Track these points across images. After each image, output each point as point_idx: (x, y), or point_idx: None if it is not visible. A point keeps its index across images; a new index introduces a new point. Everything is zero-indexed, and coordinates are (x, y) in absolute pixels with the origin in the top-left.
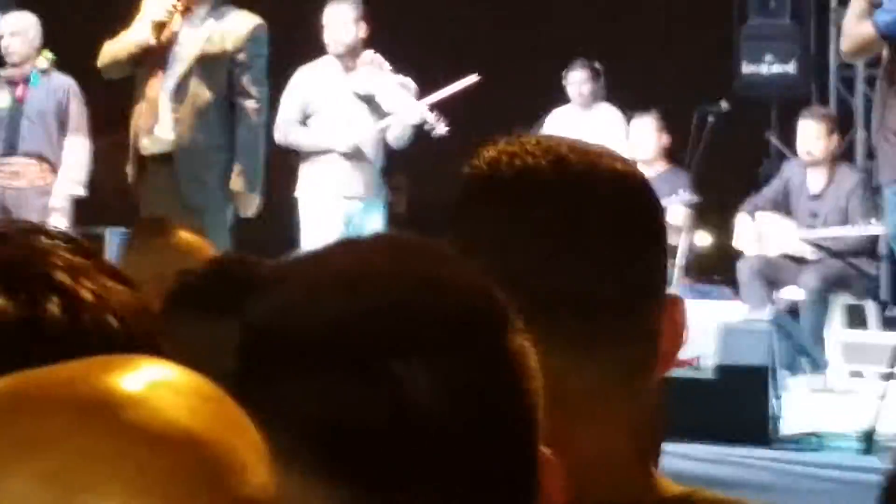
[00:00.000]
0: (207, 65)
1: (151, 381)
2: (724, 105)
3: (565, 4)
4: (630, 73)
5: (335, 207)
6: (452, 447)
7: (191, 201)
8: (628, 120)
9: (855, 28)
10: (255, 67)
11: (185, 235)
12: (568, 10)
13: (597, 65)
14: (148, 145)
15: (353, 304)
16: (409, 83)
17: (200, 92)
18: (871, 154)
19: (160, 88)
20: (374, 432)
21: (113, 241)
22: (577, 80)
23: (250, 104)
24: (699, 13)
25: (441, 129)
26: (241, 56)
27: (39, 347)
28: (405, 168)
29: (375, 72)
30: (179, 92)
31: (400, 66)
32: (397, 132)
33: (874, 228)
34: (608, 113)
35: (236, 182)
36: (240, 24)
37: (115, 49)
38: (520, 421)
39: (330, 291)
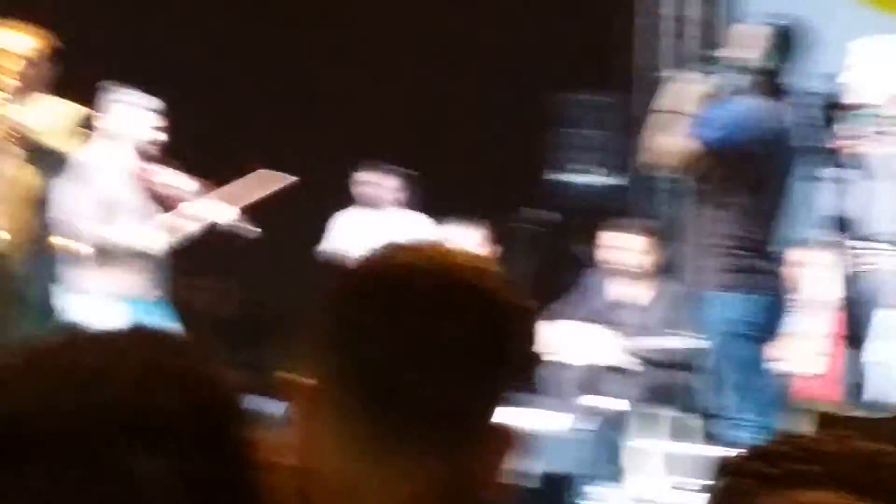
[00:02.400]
0: None
1: None
2: (542, 214)
3: (386, 104)
4: (448, 179)
5: (116, 306)
6: None
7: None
8: (446, 226)
9: (672, 142)
10: None
11: None
12: (390, 110)
13: (392, 167)
14: None
15: (85, 396)
16: (192, 183)
17: None
18: (691, 267)
19: None
20: None
21: None
22: (368, 180)
23: None
24: (520, 121)
25: (250, 232)
26: None
27: None
28: (227, 272)
29: (167, 171)
30: None
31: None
32: (189, 233)
33: (695, 341)
34: (404, 216)
35: None
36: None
37: None
38: None
39: (63, 383)
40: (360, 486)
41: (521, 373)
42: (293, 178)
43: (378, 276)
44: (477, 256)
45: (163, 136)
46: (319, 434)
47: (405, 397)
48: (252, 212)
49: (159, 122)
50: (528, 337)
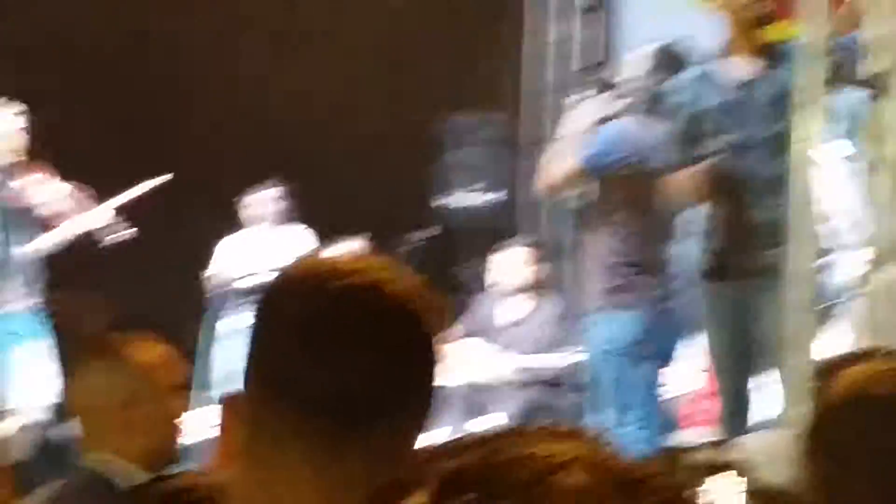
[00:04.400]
0: None
1: None
2: (428, 232)
3: (271, 122)
4: (337, 197)
5: None
6: None
7: None
8: (333, 243)
9: (558, 163)
10: None
11: (148, 353)
12: (276, 128)
13: (279, 184)
14: None
15: None
16: (76, 189)
17: None
18: (571, 285)
19: None
20: None
21: None
22: (264, 198)
23: None
24: (407, 140)
25: (125, 234)
26: None
27: None
28: (99, 286)
29: (38, 180)
30: None
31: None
32: (60, 240)
33: (572, 358)
34: (296, 233)
35: None
36: None
37: None
38: None
39: None
40: (269, 493)
41: (428, 376)
42: (166, 177)
43: (290, 280)
44: (383, 261)
45: (24, 141)
46: (236, 444)
47: (311, 396)
48: (129, 222)
49: (25, 126)
50: (435, 339)
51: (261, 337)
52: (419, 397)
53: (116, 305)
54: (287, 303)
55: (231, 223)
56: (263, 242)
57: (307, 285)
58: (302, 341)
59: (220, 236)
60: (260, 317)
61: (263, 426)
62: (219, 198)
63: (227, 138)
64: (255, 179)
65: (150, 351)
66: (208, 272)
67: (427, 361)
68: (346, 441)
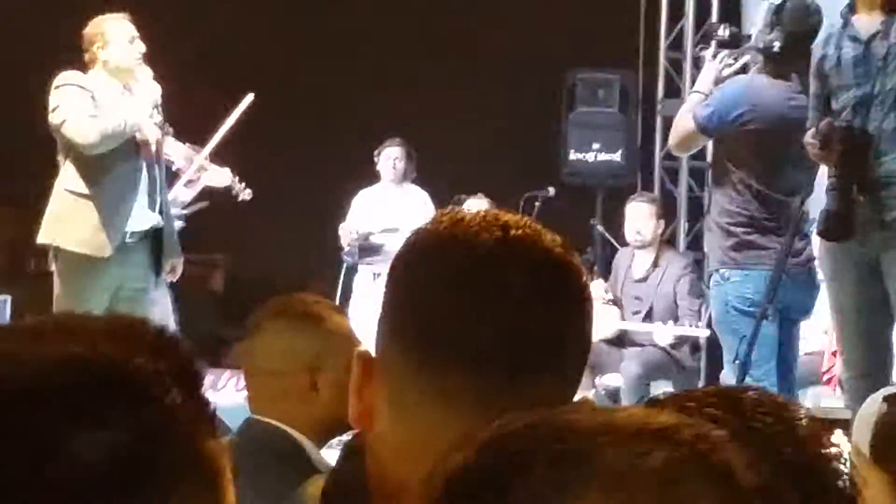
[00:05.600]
0: None
1: None
2: (550, 191)
3: (392, 82)
4: (458, 156)
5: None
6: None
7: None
8: (456, 203)
9: (680, 122)
10: None
11: (336, 318)
12: (396, 88)
13: (406, 143)
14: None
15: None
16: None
17: None
18: (691, 244)
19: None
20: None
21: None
22: (392, 155)
23: None
24: (528, 99)
25: (246, 194)
26: None
27: None
28: (222, 246)
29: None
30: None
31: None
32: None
33: (694, 331)
34: (417, 192)
35: None
36: None
37: None
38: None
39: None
40: (418, 450)
41: (586, 327)
42: (251, 97)
43: (437, 234)
44: (529, 220)
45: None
46: (374, 403)
47: (467, 349)
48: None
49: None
50: (586, 292)
51: (407, 293)
52: (578, 349)
53: (229, 268)
54: (438, 256)
55: (349, 181)
56: (390, 199)
57: (459, 238)
58: (460, 294)
59: (341, 194)
60: (405, 272)
61: (406, 383)
62: (340, 155)
63: (346, 94)
64: (376, 137)
65: (336, 314)
66: (344, 225)
67: (585, 312)
68: (506, 395)
